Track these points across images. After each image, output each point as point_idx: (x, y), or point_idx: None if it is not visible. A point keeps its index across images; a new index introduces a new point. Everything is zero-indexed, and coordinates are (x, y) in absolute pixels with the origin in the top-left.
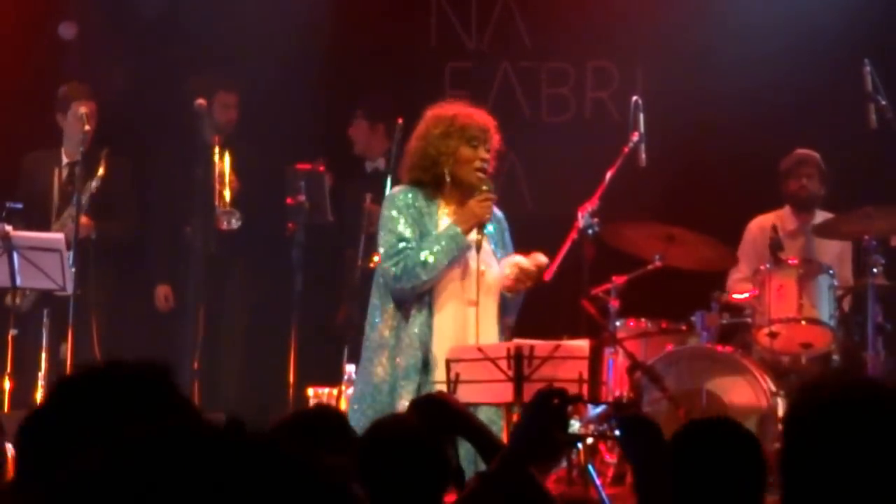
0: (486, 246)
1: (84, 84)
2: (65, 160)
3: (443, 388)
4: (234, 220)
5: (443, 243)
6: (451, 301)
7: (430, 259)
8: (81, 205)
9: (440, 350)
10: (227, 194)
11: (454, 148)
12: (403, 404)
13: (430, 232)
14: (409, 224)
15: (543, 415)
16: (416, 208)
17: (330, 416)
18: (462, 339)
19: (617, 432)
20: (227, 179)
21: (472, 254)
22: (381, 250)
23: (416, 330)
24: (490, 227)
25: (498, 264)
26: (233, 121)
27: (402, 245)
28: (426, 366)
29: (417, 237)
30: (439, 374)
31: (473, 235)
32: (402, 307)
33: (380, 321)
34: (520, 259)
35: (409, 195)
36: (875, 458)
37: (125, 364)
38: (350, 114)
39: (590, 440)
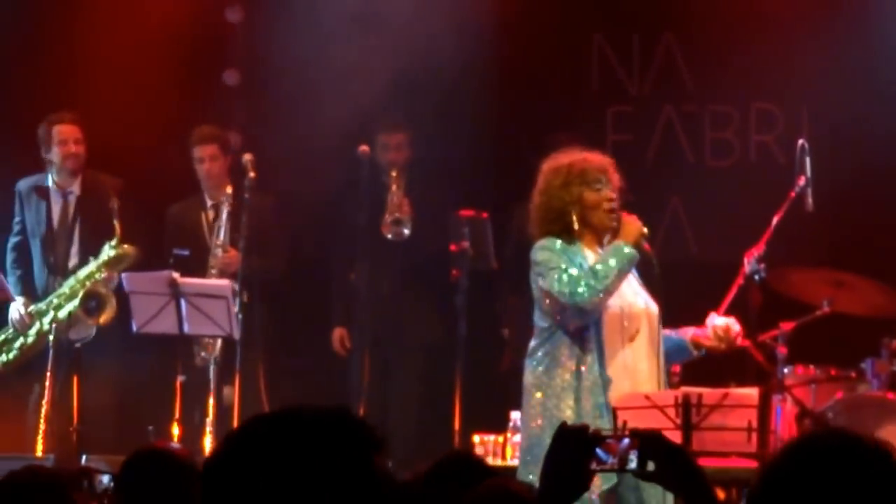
0: (634, 279)
1: (208, 127)
2: (209, 202)
3: None
4: (403, 229)
5: (610, 256)
6: (612, 338)
7: (600, 268)
8: (226, 238)
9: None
10: (397, 212)
11: (578, 195)
12: None
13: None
14: (568, 258)
15: (571, 449)
16: (566, 251)
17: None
18: (624, 378)
19: (633, 465)
20: (399, 198)
21: (627, 287)
22: (554, 287)
23: (597, 371)
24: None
25: (650, 298)
26: (395, 161)
27: (570, 271)
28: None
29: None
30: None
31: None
32: (577, 345)
33: (550, 367)
34: (723, 322)
35: (557, 242)
36: None
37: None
38: (514, 157)
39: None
